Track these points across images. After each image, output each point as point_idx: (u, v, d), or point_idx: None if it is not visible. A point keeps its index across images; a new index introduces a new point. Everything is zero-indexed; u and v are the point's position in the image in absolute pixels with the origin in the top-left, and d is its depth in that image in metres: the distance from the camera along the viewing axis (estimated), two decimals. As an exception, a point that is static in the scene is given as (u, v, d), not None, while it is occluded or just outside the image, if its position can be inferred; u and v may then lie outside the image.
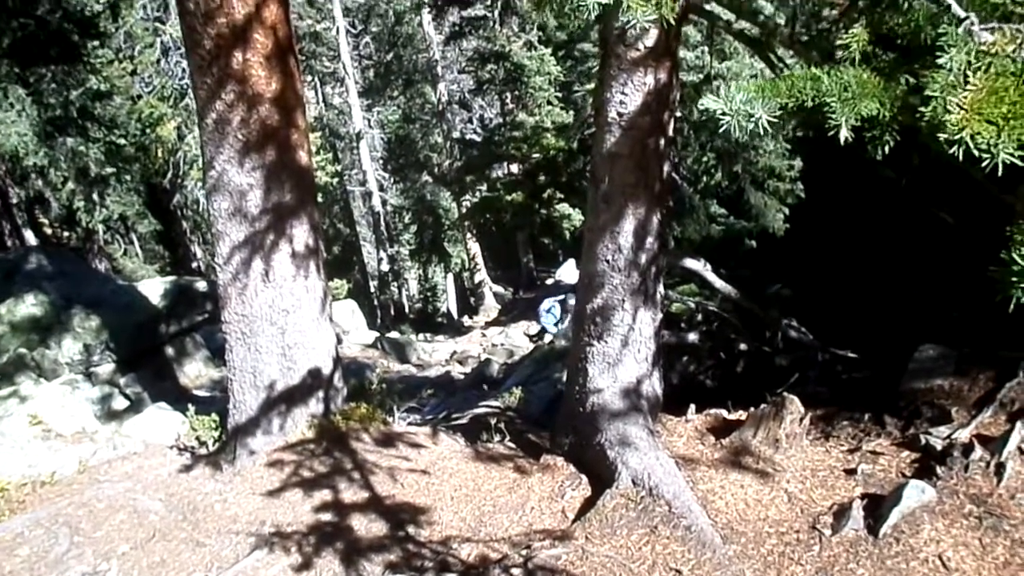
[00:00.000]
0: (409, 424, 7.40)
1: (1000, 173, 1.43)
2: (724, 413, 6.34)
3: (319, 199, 23.44)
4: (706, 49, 13.70)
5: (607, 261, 5.35)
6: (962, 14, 1.62)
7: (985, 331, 6.51)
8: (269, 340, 6.24)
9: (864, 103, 1.88)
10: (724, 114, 1.91)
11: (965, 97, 1.49)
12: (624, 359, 5.65)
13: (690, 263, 7.14)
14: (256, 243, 5.94)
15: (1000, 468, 5.20)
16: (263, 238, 5.93)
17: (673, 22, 2.59)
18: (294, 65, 5.86)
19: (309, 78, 26.42)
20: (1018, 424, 5.52)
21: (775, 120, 1.95)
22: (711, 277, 7.11)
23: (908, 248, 8.22)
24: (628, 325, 5.54)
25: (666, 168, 5.25)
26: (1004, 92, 1.45)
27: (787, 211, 14.80)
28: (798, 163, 14.49)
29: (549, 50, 20.39)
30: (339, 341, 14.02)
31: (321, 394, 6.62)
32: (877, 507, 4.97)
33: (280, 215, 5.97)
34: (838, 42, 2.15)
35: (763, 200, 14.97)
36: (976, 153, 1.44)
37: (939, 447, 5.54)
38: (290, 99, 5.83)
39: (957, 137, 1.45)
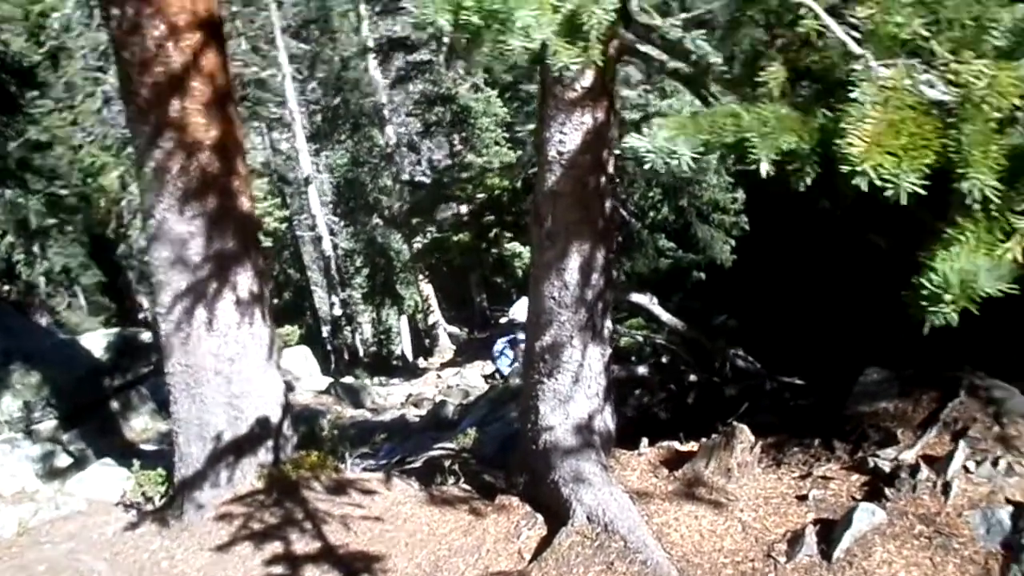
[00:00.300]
0: (363, 470, 7.28)
1: (905, 202, 1.49)
2: (676, 445, 6.37)
3: (268, 245, 23.13)
4: (647, 88, 13.97)
5: (554, 298, 5.39)
6: (858, 51, 1.69)
7: (927, 352, 6.65)
8: (215, 390, 6.13)
9: (783, 137, 1.93)
10: (648, 151, 1.95)
11: (866, 130, 1.55)
12: (575, 396, 5.66)
13: (636, 297, 7.23)
14: (198, 291, 5.87)
15: (947, 487, 5.30)
16: (205, 286, 5.86)
17: (601, 63, 2.65)
18: (233, 112, 5.88)
19: (256, 124, 26.28)
20: (962, 443, 5.64)
21: (700, 155, 2.00)
22: (657, 310, 7.20)
23: (850, 274, 8.41)
24: (578, 361, 5.57)
25: (608, 205, 5.34)
26: (902, 124, 1.52)
27: (733, 243, 15.05)
28: (742, 196, 14.76)
29: (495, 92, 20.65)
30: (291, 388, 13.78)
31: (270, 443, 6.51)
32: (830, 532, 5.01)
33: (223, 263, 5.92)
34: (758, 79, 2.22)
35: (710, 233, 15.19)
36: (879, 183, 1.50)
37: (887, 469, 5.62)
38: (230, 146, 5.82)
39: (860, 168, 1.51)
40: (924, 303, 1.49)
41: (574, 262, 5.25)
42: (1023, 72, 1.51)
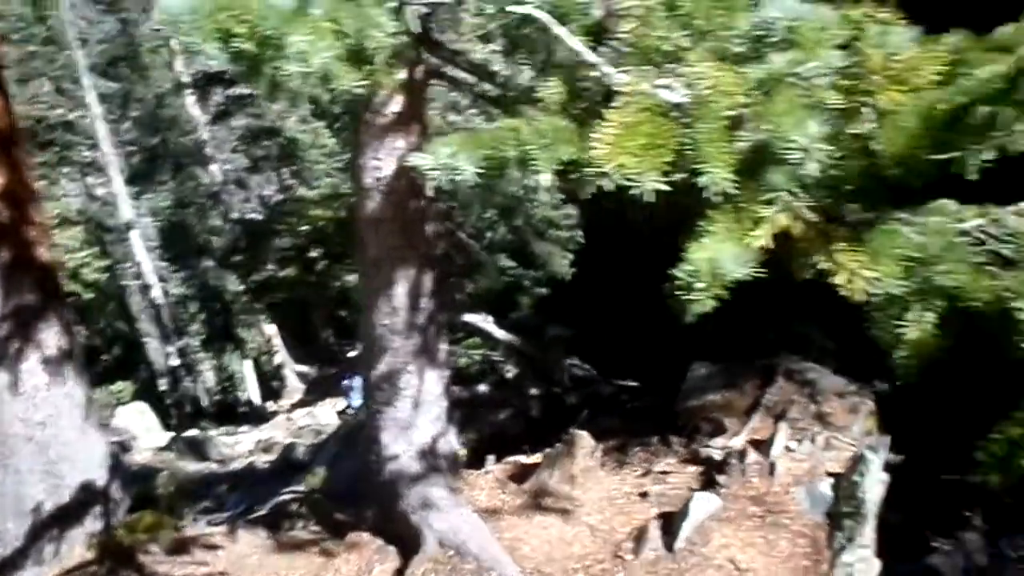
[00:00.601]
0: (207, 525, 6.92)
1: (653, 199, 1.59)
2: (523, 458, 6.46)
3: (90, 297, 21.39)
4: (473, 111, 14.17)
5: (385, 326, 5.32)
6: (593, 60, 1.79)
7: (748, 343, 7.09)
8: (28, 458, 5.70)
9: (561, 148, 2.00)
10: (432, 169, 1.97)
11: (607, 133, 1.64)
12: (416, 422, 5.61)
13: (470, 318, 7.29)
14: (-2, 353, 5.42)
15: (772, 468, 5.67)
16: (6, 346, 5.44)
17: (395, 86, 2.66)
18: (22, 157, 5.51)
19: (67, 169, 24.54)
20: (782, 425, 6.06)
21: (484, 170, 2.04)
22: (491, 328, 7.30)
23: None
24: (416, 387, 5.52)
25: (430, 228, 5.35)
26: (639, 126, 1.62)
27: (571, 257, 15.46)
28: (574, 211, 15.19)
29: (324, 123, 20.28)
30: (126, 448, 12.91)
31: (98, 509, 6.12)
32: (671, 524, 5.23)
33: (24, 319, 5.52)
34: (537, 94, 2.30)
35: (547, 249, 15.56)
36: (624, 183, 1.59)
37: (719, 457, 5.95)
38: (21, 193, 5.45)
39: (604, 170, 1.60)
40: (680, 293, 1.60)
41: (402, 288, 5.22)
42: (749, 74, 1.66)
